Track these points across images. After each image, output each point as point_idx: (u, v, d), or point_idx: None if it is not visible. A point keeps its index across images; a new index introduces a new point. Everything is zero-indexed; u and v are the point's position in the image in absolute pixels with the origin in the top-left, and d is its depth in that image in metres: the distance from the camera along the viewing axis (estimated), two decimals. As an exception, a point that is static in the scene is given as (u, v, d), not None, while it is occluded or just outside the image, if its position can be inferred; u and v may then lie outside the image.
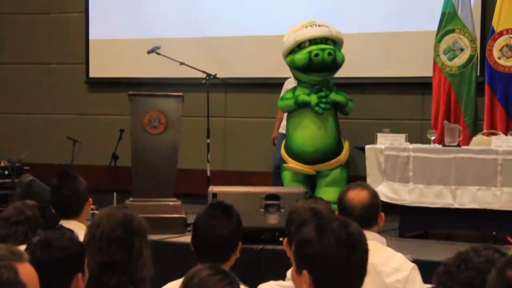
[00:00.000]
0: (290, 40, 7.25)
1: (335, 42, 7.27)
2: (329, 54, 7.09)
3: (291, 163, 7.27)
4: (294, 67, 7.25)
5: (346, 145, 7.33)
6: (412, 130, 7.36)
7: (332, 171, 7.22)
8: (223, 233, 3.16)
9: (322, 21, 7.33)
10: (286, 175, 7.34)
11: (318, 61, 7.08)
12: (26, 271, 2.05)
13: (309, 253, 2.30)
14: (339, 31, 7.34)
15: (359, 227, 2.38)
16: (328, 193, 6.75)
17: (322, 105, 7.15)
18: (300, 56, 7.16)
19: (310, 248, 2.30)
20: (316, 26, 7.24)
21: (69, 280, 2.62)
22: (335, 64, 7.18)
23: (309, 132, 7.20)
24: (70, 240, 2.73)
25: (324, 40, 7.20)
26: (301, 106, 7.22)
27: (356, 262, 2.29)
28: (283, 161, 7.41)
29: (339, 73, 7.38)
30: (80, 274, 2.65)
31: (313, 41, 7.19)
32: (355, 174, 7.17)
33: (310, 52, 7.11)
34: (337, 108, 7.27)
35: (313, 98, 7.19)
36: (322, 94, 7.16)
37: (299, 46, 7.21)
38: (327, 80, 7.29)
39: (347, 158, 7.31)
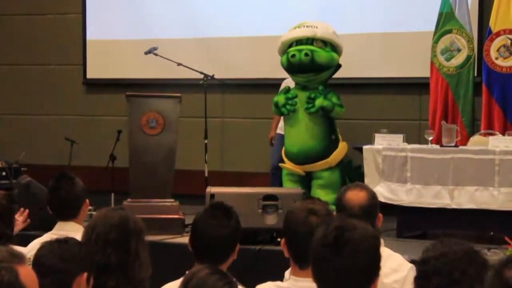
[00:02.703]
0: (279, 43, 7.31)
1: (325, 43, 7.23)
2: (306, 54, 7.07)
3: (287, 163, 7.28)
4: (283, 68, 7.30)
5: (341, 146, 7.28)
6: (409, 130, 7.36)
7: (323, 174, 7.20)
8: (223, 233, 3.16)
9: (313, 22, 7.31)
10: (284, 175, 7.37)
11: (295, 62, 7.10)
12: (27, 273, 2.06)
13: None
14: (333, 31, 7.26)
15: (364, 232, 2.36)
16: (319, 195, 6.74)
17: (288, 107, 7.16)
18: (284, 58, 7.23)
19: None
20: (304, 27, 7.25)
21: (73, 276, 2.65)
22: (315, 65, 7.12)
23: (294, 132, 7.20)
24: (80, 242, 2.80)
25: (309, 41, 7.18)
26: (277, 107, 7.24)
27: (341, 265, 2.29)
28: (280, 161, 7.42)
29: (337, 73, 7.38)
30: (85, 275, 2.68)
31: (298, 42, 7.20)
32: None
33: (288, 53, 7.15)
34: (324, 112, 7.19)
35: (280, 99, 7.22)
36: (312, 95, 7.14)
37: (290, 47, 7.23)
38: (319, 81, 7.24)
39: (339, 161, 7.25)
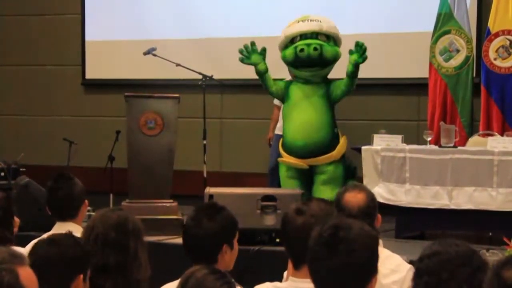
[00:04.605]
0: (282, 36, 7.26)
1: (329, 37, 7.20)
2: (315, 49, 7.02)
3: (286, 158, 7.22)
4: (286, 62, 7.26)
5: (342, 140, 7.21)
6: (408, 131, 7.36)
7: (327, 168, 7.12)
8: (199, 233, 3.14)
9: (317, 16, 7.29)
10: (282, 171, 7.26)
11: (303, 56, 7.05)
12: (27, 275, 2.06)
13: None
14: (334, 25, 7.26)
15: (359, 231, 2.36)
16: (325, 192, 6.75)
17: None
18: (289, 52, 7.16)
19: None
20: (308, 21, 7.21)
21: (71, 279, 2.65)
22: (323, 59, 7.08)
23: (299, 124, 7.12)
24: (75, 240, 2.78)
25: (314, 35, 7.14)
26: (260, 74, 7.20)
27: (336, 264, 2.29)
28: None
29: (335, 74, 7.37)
30: (81, 276, 2.68)
31: (303, 36, 7.15)
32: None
33: (296, 47, 7.10)
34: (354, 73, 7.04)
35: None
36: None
37: (292, 41, 7.20)
38: (322, 76, 7.21)
39: (342, 154, 7.21)
